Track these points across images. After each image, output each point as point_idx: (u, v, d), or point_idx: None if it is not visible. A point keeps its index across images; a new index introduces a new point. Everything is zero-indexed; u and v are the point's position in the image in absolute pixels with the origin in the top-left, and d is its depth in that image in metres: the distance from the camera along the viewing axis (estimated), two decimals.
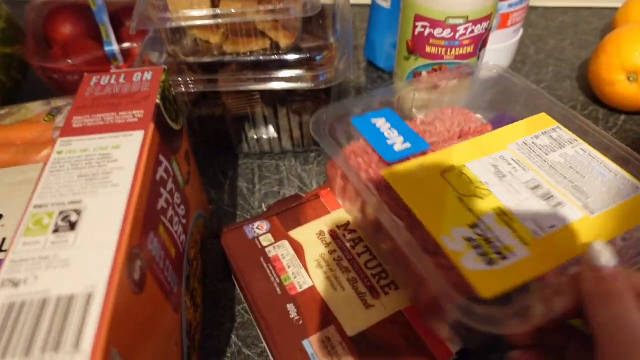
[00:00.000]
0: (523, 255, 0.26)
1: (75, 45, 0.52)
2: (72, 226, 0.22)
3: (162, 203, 0.27)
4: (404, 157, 0.33)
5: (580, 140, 0.33)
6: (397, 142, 0.34)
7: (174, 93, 0.32)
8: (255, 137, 0.48)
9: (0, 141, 0.42)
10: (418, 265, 0.25)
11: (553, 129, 0.34)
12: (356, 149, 0.36)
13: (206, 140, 0.49)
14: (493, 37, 0.52)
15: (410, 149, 0.33)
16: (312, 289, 0.32)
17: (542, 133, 0.34)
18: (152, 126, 0.27)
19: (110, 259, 0.20)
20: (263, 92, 0.43)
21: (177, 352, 0.27)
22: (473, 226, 0.28)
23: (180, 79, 0.40)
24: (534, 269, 0.25)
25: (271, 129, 0.48)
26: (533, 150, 0.33)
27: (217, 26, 0.38)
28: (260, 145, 0.49)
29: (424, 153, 0.33)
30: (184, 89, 0.41)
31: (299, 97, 0.45)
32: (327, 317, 0.30)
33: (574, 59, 0.59)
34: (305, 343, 0.29)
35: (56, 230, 0.22)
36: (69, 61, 0.49)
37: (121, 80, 0.30)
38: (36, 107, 0.46)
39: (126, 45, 0.51)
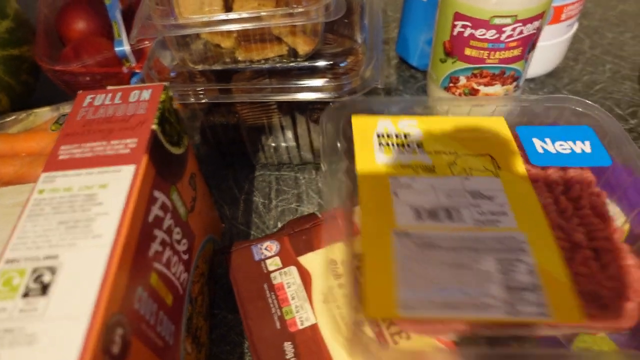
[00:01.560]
0: None
1: (87, 45, 0.49)
2: (44, 289, 0.19)
3: (155, 247, 0.24)
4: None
5: None
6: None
7: (177, 107, 0.29)
8: (273, 145, 0.44)
9: (5, 152, 0.40)
10: None
11: None
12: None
13: (220, 149, 0.46)
14: (543, 33, 0.46)
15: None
16: (314, 327, 0.29)
17: None
18: (144, 159, 0.23)
19: (81, 336, 0.17)
20: (280, 103, 0.39)
21: None
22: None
23: (189, 89, 0.37)
24: None
25: (289, 138, 0.44)
26: None
27: (231, 31, 0.34)
28: (278, 156, 0.45)
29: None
30: (193, 100, 0.37)
31: (320, 104, 0.40)
32: None
33: (635, 56, 0.52)
34: None
35: (26, 295, 0.19)
36: (78, 63, 0.46)
37: (117, 99, 0.27)
38: (45, 114, 0.44)
39: (141, 44, 0.48)
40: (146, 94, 0.27)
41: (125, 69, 0.47)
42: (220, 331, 0.34)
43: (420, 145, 0.30)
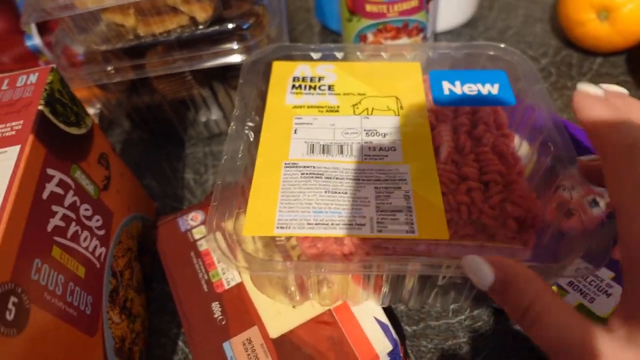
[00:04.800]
0: None
1: (2, 43, 0.48)
2: None
3: (55, 222, 0.24)
4: None
5: None
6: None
7: (69, 92, 0.29)
8: (202, 120, 0.45)
9: None
10: None
11: None
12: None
13: (150, 130, 0.46)
14: None
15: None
16: (240, 286, 0.30)
17: None
18: (31, 138, 0.24)
19: None
20: (195, 73, 0.39)
21: None
22: None
23: (101, 71, 0.37)
24: None
25: (216, 110, 0.44)
26: None
27: (128, 7, 0.35)
28: (209, 129, 0.46)
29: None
30: (106, 80, 0.38)
31: (238, 71, 0.41)
32: (251, 317, 0.29)
33: None
34: (226, 345, 0.28)
35: None
36: None
37: (4, 86, 0.27)
38: None
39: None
40: (33, 78, 0.27)
41: (42, 63, 0.47)
42: (159, 303, 0.35)
43: (331, 87, 0.31)
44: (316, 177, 0.26)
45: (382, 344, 0.27)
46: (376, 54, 0.32)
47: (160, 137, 0.47)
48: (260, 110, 0.30)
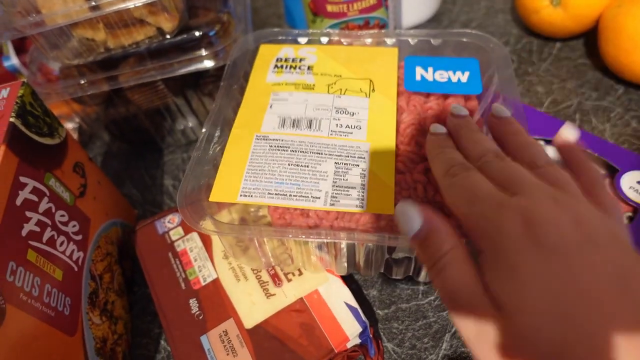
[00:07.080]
0: None
1: None
2: None
3: (30, 227, 0.25)
4: None
5: None
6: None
7: (41, 105, 0.30)
8: (179, 128, 0.46)
9: None
10: None
11: None
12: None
13: (129, 141, 0.47)
14: None
15: None
16: (216, 281, 0.32)
17: None
18: (2, 148, 0.25)
19: None
20: (167, 82, 0.41)
21: None
22: None
23: (74, 84, 0.38)
24: None
25: (191, 117, 0.46)
26: None
27: (98, 21, 0.36)
28: (186, 136, 0.47)
29: None
30: (80, 93, 0.39)
31: (210, 78, 0.42)
32: (226, 310, 0.30)
33: None
34: (203, 338, 0.29)
35: None
36: None
37: None
38: None
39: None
40: (5, 93, 0.28)
41: None
42: (141, 305, 0.36)
43: (310, 68, 0.33)
44: (282, 150, 0.28)
45: (352, 327, 0.28)
46: (360, 41, 0.35)
47: (138, 146, 0.48)
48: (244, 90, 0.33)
